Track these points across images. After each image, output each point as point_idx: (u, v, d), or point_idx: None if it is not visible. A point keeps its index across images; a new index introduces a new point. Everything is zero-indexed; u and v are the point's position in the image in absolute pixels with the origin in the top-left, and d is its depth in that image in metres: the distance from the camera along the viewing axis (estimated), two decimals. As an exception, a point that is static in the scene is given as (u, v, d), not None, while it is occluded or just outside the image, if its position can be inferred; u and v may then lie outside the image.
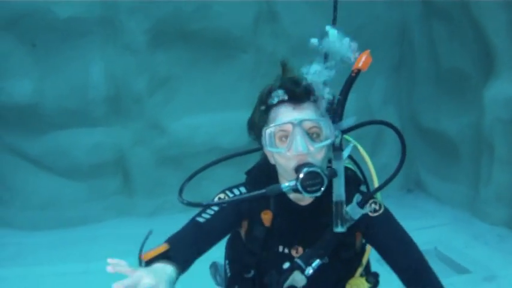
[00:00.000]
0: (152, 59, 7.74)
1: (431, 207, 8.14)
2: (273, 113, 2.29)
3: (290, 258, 2.42)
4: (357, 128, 2.36)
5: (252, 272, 2.51)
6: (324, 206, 2.35)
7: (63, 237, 7.35)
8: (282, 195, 2.35)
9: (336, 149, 2.29)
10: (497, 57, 6.78)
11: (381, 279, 2.52)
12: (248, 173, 2.59)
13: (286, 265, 2.40)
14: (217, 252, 2.53)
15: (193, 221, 2.38)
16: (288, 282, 2.36)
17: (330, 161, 2.34)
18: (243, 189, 2.49)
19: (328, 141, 2.24)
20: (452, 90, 7.78)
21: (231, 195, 2.46)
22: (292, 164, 2.21)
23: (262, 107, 2.31)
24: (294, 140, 2.19)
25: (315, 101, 2.27)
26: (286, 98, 2.25)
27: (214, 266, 2.98)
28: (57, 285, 6.08)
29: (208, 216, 2.38)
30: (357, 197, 2.33)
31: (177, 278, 2.04)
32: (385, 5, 8.13)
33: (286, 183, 2.20)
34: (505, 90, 6.72)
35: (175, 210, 6.21)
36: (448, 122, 7.91)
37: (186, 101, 7.98)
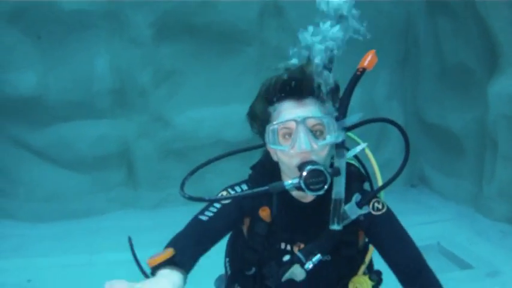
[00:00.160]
0: (157, 52, 7.74)
1: (435, 202, 8.15)
2: (276, 108, 2.28)
3: (291, 254, 2.41)
4: (360, 126, 2.34)
5: (253, 269, 2.50)
6: (326, 203, 2.32)
7: (67, 229, 7.39)
8: (284, 193, 2.33)
9: (338, 146, 2.27)
10: (502, 53, 6.77)
11: (385, 277, 2.51)
12: (253, 168, 2.58)
13: (287, 257, 2.39)
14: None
15: (196, 220, 2.38)
16: (287, 275, 2.35)
17: (332, 157, 2.32)
18: (244, 187, 2.48)
19: (332, 140, 2.22)
20: (456, 86, 7.78)
21: (232, 192, 2.46)
22: (295, 161, 2.20)
23: (265, 101, 2.30)
24: (298, 137, 2.18)
25: (319, 96, 2.23)
26: (289, 93, 2.24)
27: (220, 279, 2.98)
28: (61, 276, 6.11)
29: (211, 214, 2.37)
30: (356, 197, 2.31)
31: (184, 283, 2.02)
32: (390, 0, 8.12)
33: (289, 181, 2.19)
34: (509, 86, 6.71)
35: (179, 203, 6.21)
36: (452, 117, 7.91)
37: (190, 94, 7.99)
